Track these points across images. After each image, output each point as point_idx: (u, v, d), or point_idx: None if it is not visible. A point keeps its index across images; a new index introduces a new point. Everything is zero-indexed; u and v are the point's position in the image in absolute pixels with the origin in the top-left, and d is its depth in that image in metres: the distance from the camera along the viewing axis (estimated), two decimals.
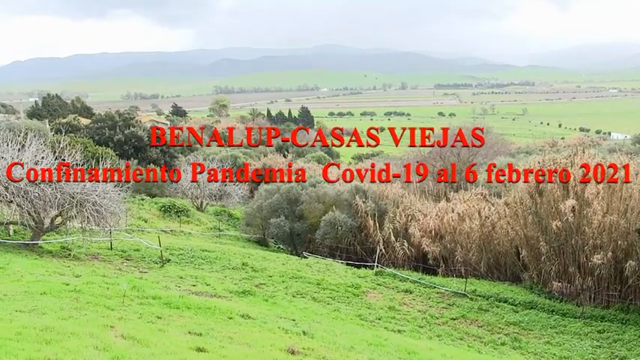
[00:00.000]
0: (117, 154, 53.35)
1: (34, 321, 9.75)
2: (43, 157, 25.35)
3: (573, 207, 23.88)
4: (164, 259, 25.60)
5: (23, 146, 25.65)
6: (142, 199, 47.56)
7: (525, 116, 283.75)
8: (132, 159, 60.40)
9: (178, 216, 44.19)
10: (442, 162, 53.25)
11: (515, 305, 23.88)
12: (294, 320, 15.97)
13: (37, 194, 24.46)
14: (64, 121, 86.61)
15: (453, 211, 32.60)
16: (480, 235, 29.68)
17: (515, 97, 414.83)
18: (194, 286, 20.69)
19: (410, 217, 35.26)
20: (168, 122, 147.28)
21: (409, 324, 20.14)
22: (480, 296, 24.79)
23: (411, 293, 25.16)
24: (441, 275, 30.06)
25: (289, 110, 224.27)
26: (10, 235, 26.12)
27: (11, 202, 24.82)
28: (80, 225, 25.88)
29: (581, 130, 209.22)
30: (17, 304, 11.62)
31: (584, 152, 27.10)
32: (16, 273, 17.17)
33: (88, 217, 24.61)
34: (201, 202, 51.71)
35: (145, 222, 40.11)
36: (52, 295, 13.29)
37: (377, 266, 29.70)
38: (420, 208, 36.52)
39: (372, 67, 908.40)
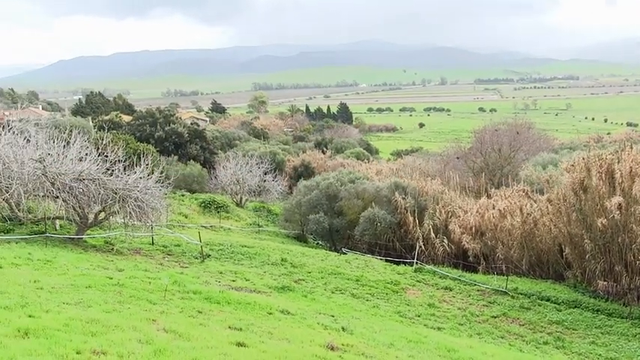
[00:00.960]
0: (158, 151, 54.08)
1: (81, 313, 9.98)
2: (86, 154, 25.86)
3: (620, 204, 23.36)
4: (204, 254, 25.87)
5: (68, 143, 26.20)
6: (183, 195, 48.16)
7: (569, 111, 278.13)
8: (172, 155, 61.17)
9: (218, 212, 44.62)
10: (483, 158, 52.65)
11: (558, 304, 23.46)
12: (333, 316, 16.01)
13: (81, 190, 24.97)
14: (107, 118, 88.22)
15: (494, 208, 32.24)
16: (522, 233, 29.27)
17: (559, 92, 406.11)
18: (234, 281, 20.88)
19: (450, 214, 34.98)
20: (207, 119, 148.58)
21: (449, 321, 20.00)
22: (521, 294, 24.45)
23: (450, 290, 24.96)
24: (482, 273, 29.73)
25: (328, 106, 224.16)
26: (56, 230, 26.70)
27: (57, 197, 25.38)
28: (123, 220, 26.33)
29: (629, 125, 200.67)
30: (64, 296, 11.90)
31: (631, 148, 26.45)
32: (63, 266, 17.57)
33: (130, 213, 25.03)
34: (241, 198, 52.10)
35: (186, 217, 40.61)
36: (96, 288, 13.57)
37: (416, 263, 29.56)
38: (460, 204, 36.20)
39: (412, 62, 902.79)
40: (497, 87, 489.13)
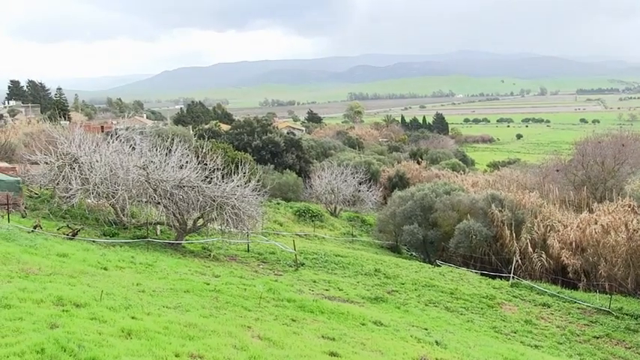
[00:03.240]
0: (255, 159, 55.17)
1: (179, 317, 10.27)
2: (187, 162, 26.72)
3: None
4: (298, 262, 26.13)
5: (170, 151, 27.15)
6: (278, 204, 48.87)
7: None
8: (269, 164, 62.22)
9: (312, 220, 44.99)
10: (584, 171, 50.66)
11: None
12: (426, 329, 15.79)
13: (181, 197, 25.80)
14: (206, 126, 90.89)
15: (596, 223, 30.94)
16: (627, 249, 27.90)
17: None
18: (327, 290, 20.96)
19: (549, 228, 33.84)
20: (303, 128, 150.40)
21: (547, 339, 19.29)
22: (627, 315, 23.27)
23: (549, 307, 24.10)
24: (582, 290, 28.55)
25: (423, 117, 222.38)
26: (157, 235, 27.68)
27: (159, 203, 26.34)
28: (220, 227, 26.99)
29: None
30: (164, 300, 12.31)
31: None
32: (163, 271, 18.19)
33: (227, 220, 25.62)
34: (335, 208, 52.34)
35: (281, 225, 41.18)
36: (194, 293, 13.95)
37: (513, 277, 28.75)
38: (559, 218, 34.96)
39: (510, 72, 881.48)
40: (601, 97, 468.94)
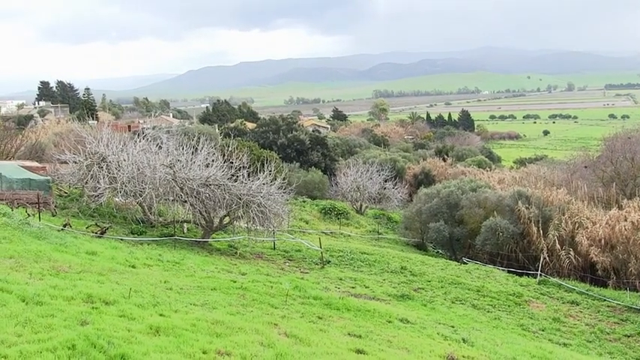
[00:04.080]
0: (280, 157, 55.29)
1: (206, 314, 10.35)
2: (213, 160, 26.89)
3: None
4: (324, 260, 26.15)
5: (196, 149, 27.34)
6: (304, 201, 48.96)
7: None
8: (294, 162, 62.32)
9: (338, 218, 45.01)
10: (613, 167, 49.94)
11: None
12: (453, 327, 15.72)
13: (207, 195, 25.96)
14: (232, 125, 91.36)
15: (626, 220, 30.54)
16: None
17: None
18: (353, 288, 20.96)
19: (577, 225, 33.45)
20: (328, 126, 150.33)
21: (576, 338, 19.07)
22: None
23: (577, 305, 23.83)
24: (612, 288, 28.18)
25: (449, 114, 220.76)
26: (184, 233, 27.92)
27: (185, 201, 26.56)
28: (246, 225, 27.13)
29: None
30: (191, 297, 12.41)
31: None
32: (190, 268, 18.33)
33: (253, 218, 25.74)
34: (361, 205, 52.29)
35: (306, 223, 41.27)
36: (221, 291, 14.04)
37: (540, 275, 28.47)
38: (588, 215, 34.55)
39: (536, 68, 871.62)
40: (631, 92, 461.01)
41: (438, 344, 12.06)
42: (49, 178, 29.24)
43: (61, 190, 31.76)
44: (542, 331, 19.39)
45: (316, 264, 25.64)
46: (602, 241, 30.80)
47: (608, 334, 20.30)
